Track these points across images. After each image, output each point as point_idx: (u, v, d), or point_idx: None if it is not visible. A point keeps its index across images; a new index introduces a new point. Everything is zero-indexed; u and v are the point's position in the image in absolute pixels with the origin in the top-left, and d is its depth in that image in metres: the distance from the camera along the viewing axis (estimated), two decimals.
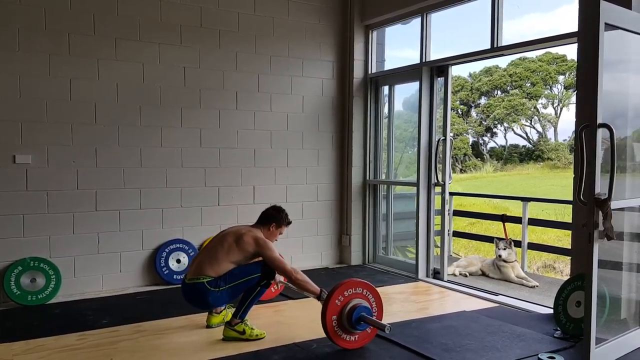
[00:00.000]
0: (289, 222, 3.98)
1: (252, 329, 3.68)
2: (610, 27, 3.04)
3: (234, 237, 3.67)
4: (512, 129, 27.85)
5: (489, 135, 28.73)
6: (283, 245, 5.69)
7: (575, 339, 3.68)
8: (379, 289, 5.10)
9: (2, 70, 4.52)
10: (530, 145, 27.77)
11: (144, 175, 5.14)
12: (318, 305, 3.56)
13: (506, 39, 4.76)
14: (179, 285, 5.12)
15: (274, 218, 3.87)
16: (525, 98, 26.65)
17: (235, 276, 3.60)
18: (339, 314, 3.42)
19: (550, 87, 26.70)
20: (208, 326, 3.92)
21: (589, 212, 2.98)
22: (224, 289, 3.57)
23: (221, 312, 3.95)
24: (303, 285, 3.63)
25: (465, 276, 5.71)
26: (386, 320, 4.11)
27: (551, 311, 4.12)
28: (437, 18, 5.47)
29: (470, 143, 27.95)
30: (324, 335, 3.45)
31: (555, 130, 27.38)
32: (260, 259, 3.70)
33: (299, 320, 4.11)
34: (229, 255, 3.62)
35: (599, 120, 2.95)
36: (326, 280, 5.39)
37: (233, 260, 3.62)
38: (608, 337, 3.27)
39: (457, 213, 7.84)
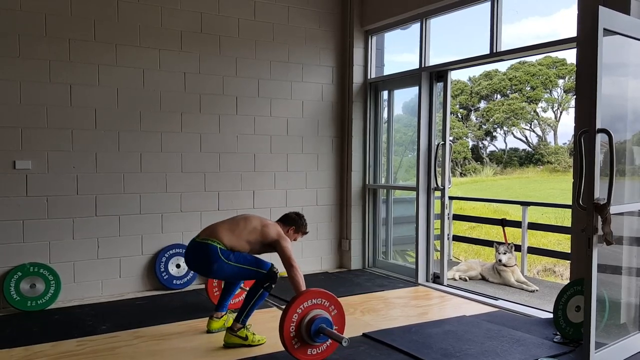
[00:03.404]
0: (306, 232, 4.07)
1: (253, 334, 3.69)
2: (608, 32, 3.05)
3: (259, 222, 3.76)
4: (512, 133, 27.86)
5: (488, 139, 28.73)
6: None
7: (575, 344, 3.68)
8: (379, 294, 5.14)
9: (3, 76, 4.54)
10: (530, 149, 27.77)
11: (144, 180, 5.14)
12: None
13: (505, 43, 4.77)
14: (179, 290, 5.14)
15: (295, 222, 3.96)
16: (525, 102, 26.67)
17: (246, 260, 3.63)
18: (297, 325, 3.31)
19: (550, 91, 26.71)
20: (208, 331, 3.92)
21: (588, 217, 2.99)
22: (231, 264, 3.57)
23: (222, 317, 3.96)
24: (295, 282, 3.52)
25: (465, 280, 5.71)
26: (387, 325, 4.13)
27: (551, 315, 4.12)
28: (436, 23, 5.50)
29: (469, 147, 27.94)
30: None
31: (555, 134, 27.39)
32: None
33: None
34: (249, 235, 3.68)
35: (598, 126, 2.96)
36: (325, 285, 5.40)
37: (250, 241, 3.67)
38: (608, 342, 3.27)
39: (457, 217, 7.84)
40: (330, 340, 3.39)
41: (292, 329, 3.29)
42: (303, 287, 3.52)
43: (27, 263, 4.64)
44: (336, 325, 3.44)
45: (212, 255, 3.55)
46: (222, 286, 4.14)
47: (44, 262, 4.72)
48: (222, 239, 3.60)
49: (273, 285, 3.71)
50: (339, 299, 3.54)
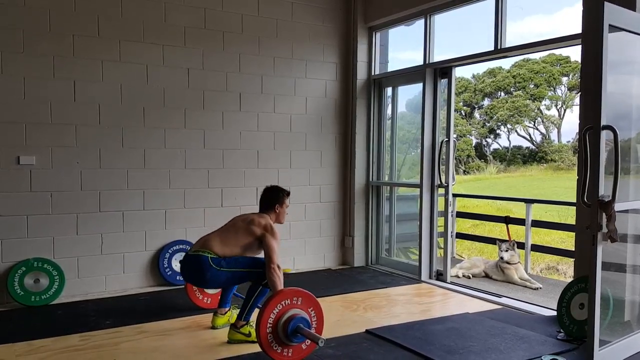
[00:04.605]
0: (288, 193, 3.96)
1: None
2: (614, 28, 3.03)
3: (244, 221, 3.73)
4: (516, 131, 27.80)
5: (492, 136, 28.69)
6: (286, 247, 5.70)
7: (578, 341, 3.67)
8: (381, 291, 5.14)
9: (7, 72, 4.54)
10: (533, 147, 27.72)
11: (148, 176, 5.15)
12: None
13: (509, 40, 4.76)
14: (182, 286, 5.14)
15: (274, 200, 3.86)
16: (529, 99, 26.61)
17: (239, 263, 3.61)
18: (274, 325, 3.21)
19: (554, 89, 26.64)
20: (213, 327, 3.92)
21: (593, 214, 2.98)
22: (224, 271, 3.55)
23: (226, 313, 3.96)
24: (271, 283, 3.46)
25: (469, 278, 5.71)
26: (390, 321, 4.13)
27: (554, 313, 4.11)
28: (440, 19, 5.48)
29: (473, 144, 27.92)
30: (325, 336, 3.42)
31: (558, 132, 27.33)
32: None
33: None
34: (238, 239, 3.64)
35: (603, 122, 2.94)
36: (328, 282, 5.40)
37: (241, 244, 3.64)
38: (612, 339, 3.26)
39: (460, 214, 7.84)
40: (308, 341, 3.31)
41: (269, 329, 3.20)
42: (279, 287, 3.43)
43: (31, 258, 4.65)
44: (315, 325, 3.36)
45: (203, 265, 3.52)
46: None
47: (48, 257, 4.73)
48: (212, 249, 3.57)
49: None
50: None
